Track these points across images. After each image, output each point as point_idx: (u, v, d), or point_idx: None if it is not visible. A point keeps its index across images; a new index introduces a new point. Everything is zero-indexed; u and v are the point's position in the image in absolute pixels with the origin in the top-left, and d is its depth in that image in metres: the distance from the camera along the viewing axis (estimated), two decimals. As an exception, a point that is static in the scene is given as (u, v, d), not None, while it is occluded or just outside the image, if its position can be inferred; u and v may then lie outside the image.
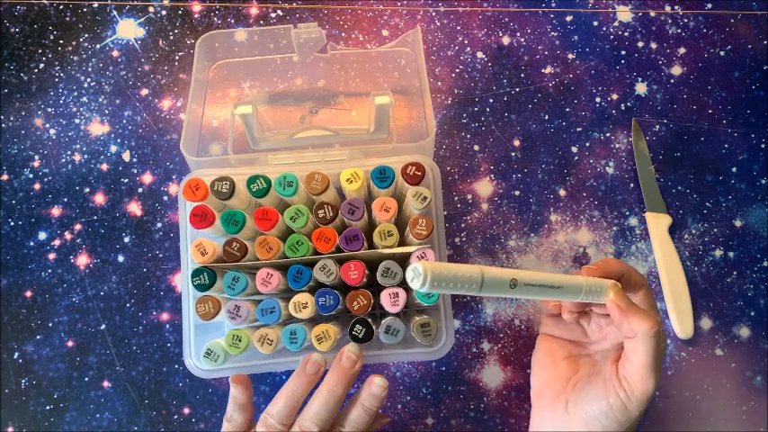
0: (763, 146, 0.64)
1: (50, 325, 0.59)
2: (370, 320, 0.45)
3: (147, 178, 0.63)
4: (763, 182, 0.63)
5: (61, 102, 0.66)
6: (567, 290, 0.38)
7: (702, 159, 0.64)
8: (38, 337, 0.59)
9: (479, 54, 0.67)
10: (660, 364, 0.39)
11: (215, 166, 0.52)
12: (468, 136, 0.64)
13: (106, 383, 0.58)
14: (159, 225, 0.62)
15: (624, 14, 0.69)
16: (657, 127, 0.65)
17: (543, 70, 0.67)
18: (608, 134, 0.65)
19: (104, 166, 0.63)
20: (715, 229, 0.62)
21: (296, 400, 0.43)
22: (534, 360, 0.47)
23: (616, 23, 0.69)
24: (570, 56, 0.67)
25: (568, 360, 0.44)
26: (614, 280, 0.40)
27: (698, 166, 0.64)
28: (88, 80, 0.66)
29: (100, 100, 0.66)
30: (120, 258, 0.61)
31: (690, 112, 0.65)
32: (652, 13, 0.69)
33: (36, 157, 0.64)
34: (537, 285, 0.36)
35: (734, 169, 0.64)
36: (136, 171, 0.63)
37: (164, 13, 0.69)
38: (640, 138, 0.64)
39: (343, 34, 0.68)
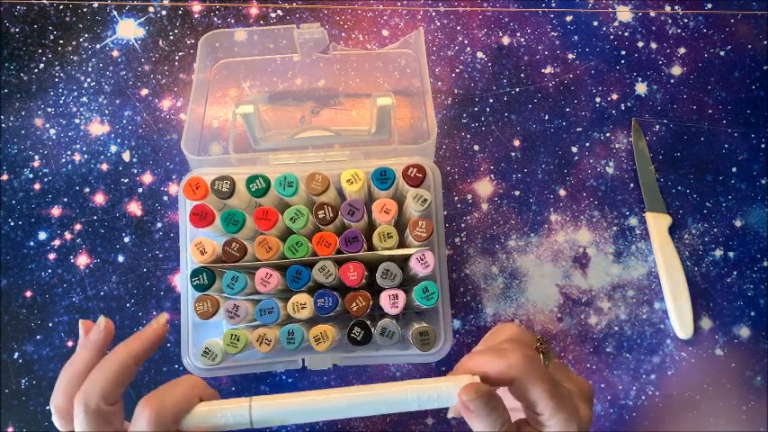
0: (763, 146, 0.64)
1: (50, 325, 0.59)
2: (368, 322, 0.45)
3: (147, 178, 0.63)
4: (763, 182, 0.63)
5: (61, 102, 0.66)
6: (391, 402, 0.34)
7: (702, 159, 0.64)
8: (38, 337, 0.59)
9: (479, 54, 0.67)
10: None
11: (216, 165, 0.52)
12: (468, 136, 0.64)
13: (106, 383, 0.58)
14: (159, 225, 0.62)
15: (624, 14, 0.69)
16: (657, 127, 0.65)
17: (543, 70, 0.67)
18: (608, 134, 0.65)
19: (104, 166, 0.63)
20: (715, 229, 0.62)
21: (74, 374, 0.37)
22: None
23: (616, 23, 0.69)
24: (570, 56, 0.67)
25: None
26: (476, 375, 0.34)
27: (698, 166, 0.64)
28: (88, 80, 0.66)
29: (100, 100, 0.66)
30: (120, 258, 0.61)
31: (690, 112, 0.65)
32: (652, 13, 0.69)
33: (36, 157, 0.64)
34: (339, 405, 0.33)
35: (734, 169, 0.64)
36: (136, 171, 0.63)
37: (164, 13, 0.69)
38: (640, 138, 0.64)
39: (343, 34, 0.68)
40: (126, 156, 0.64)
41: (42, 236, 0.61)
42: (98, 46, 0.68)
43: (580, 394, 0.36)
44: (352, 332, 0.45)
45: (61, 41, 0.68)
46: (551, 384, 0.33)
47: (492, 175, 0.63)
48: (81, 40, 0.68)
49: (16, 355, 0.58)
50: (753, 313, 0.59)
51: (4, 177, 0.63)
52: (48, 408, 0.57)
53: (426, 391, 0.34)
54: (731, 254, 0.61)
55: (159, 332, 0.38)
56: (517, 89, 0.66)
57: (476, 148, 0.64)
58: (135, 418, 0.33)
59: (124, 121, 0.65)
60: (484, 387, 0.33)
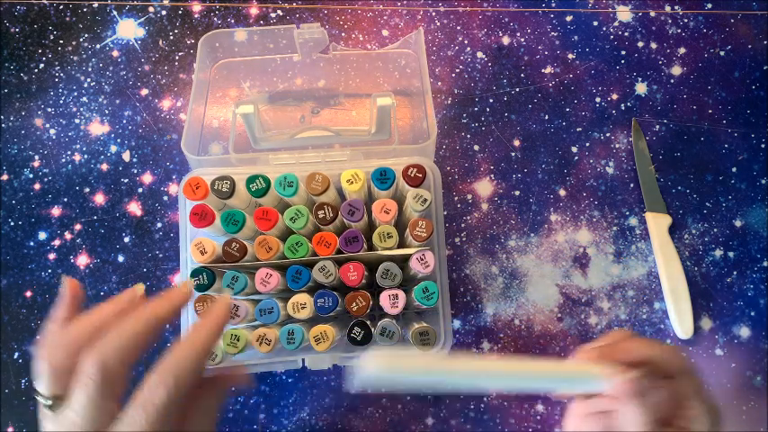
0: (763, 146, 0.64)
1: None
2: (368, 322, 0.45)
3: (147, 178, 0.63)
4: (763, 182, 0.63)
5: (61, 102, 0.66)
6: (557, 380, 0.34)
7: (702, 159, 0.64)
8: (38, 337, 0.59)
9: (479, 54, 0.67)
10: None
11: (216, 165, 0.52)
12: (468, 136, 0.64)
13: (106, 383, 0.58)
14: (159, 225, 0.62)
15: (624, 14, 0.69)
16: (657, 127, 0.65)
17: (543, 70, 0.67)
18: (608, 134, 0.65)
19: (104, 166, 0.63)
20: (715, 229, 0.62)
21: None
22: (568, 407, 0.43)
23: (616, 23, 0.69)
24: (570, 56, 0.67)
25: (599, 416, 0.39)
26: (637, 364, 0.35)
27: (698, 166, 0.64)
28: (88, 80, 0.66)
29: (100, 100, 0.66)
30: (120, 258, 0.61)
31: (690, 112, 0.65)
32: (652, 13, 0.69)
33: (36, 157, 0.64)
34: (511, 375, 0.32)
35: (734, 169, 0.64)
36: (136, 171, 0.63)
37: (164, 13, 0.69)
38: (640, 138, 0.64)
39: (343, 34, 0.68)
40: (126, 156, 0.64)
41: (42, 236, 0.61)
42: (98, 46, 0.68)
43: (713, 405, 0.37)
44: (352, 332, 0.45)
45: (61, 41, 0.68)
46: (705, 386, 0.35)
47: (492, 175, 0.63)
48: (81, 40, 0.68)
49: (16, 355, 0.58)
50: (753, 313, 0.59)
51: (4, 177, 0.63)
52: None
53: (578, 373, 0.34)
54: (731, 254, 0.61)
55: (186, 295, 0.35)
56: (517, 89, 0.66)
57: (476, 148, 0.64)
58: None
59: (124, 121, 0.65)
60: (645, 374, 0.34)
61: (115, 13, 0.69)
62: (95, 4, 0.69)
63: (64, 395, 0.30)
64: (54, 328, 0.33)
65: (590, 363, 0.35)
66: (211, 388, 0.35)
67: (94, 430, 0.29)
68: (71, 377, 0.30)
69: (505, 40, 0.68)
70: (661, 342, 0.35)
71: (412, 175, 0.47)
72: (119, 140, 0.64)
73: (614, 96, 0.66)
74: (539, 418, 0.57)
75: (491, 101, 0.66)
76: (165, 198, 0.62)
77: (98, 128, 0.65)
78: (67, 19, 0.69)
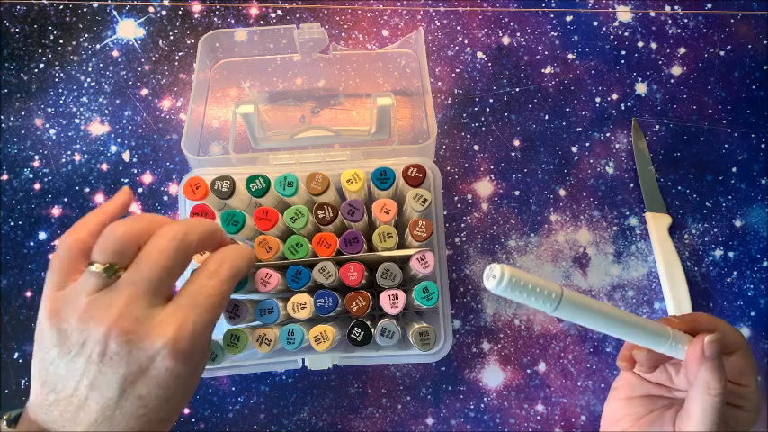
0: (763, 146, 0.64)
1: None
2: (368, 323, 0.45)
3: (147, 178, 0.63)
4: (763, 182, 0.63)
5: (61, 102, 0.66)
6: (650, 336, 0.35)
7: (702, 159, 0.64)
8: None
9: (479, 54, 0.67)
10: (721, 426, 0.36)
11: (216, 165, 0.52)
12: (468, 136, 0.64)
13: (106, 383, 0.58)
14: (159, 225, 0.61)
15: (624, 14, 0.69)
16: (657, 127, 0.65)
17: (543, 70, 0.67)
18: (608, 134, 0.65)
19: (104, 166, 0.63)
20: (715, 229, 0.62)
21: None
22: (612, 388, 0.45)
23: (616, 23, 0.69)
24: (570, 56, 0.67)
25: (645, 399, 0.43)
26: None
27: (698, 166, 0.64)
28: (88, 80, 0.66)
29: (100, 100, 0.66)
30: (121, 258, 0.61)
31: (690, 112, 0.65)
32: (652, 13, 0.69)
33: (36, 157, 0.64)
34: (617, 321, 0.34)
35: (734, 169, 0.64)
36: (136, 171, 0.63)
37: (164, 13, 0.69)
38: (640, 138, 0.64)
39: (342, 34, 0.68)
40: (126, 156, 0.64)
41: (42, 236, 0.61)
42: (98, 46, 0.68)
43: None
44: (352, 333, 0.45)
45: (61, 41, 0.68)
46: (757, 367, 0.40)
47: (492, 175, 0.63)
48: (81, 40, 0.68)
49: (16, 355, 0.58)
50: (753, 313, 0.59)
51: (4, 177, 0.63)
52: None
53: (678, 337, 0.36)
54: (731, 254, 0.61)
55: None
56: (517, 89, 0.66)
57: (476, 148, 0.64)
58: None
59: (124, 121, 0.65)
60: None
61: (115, 13, 0.69)
62: (95, 4, 0.69)
63: (119, 266, 0.33)
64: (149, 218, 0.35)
65: (672, 327, 0.37)
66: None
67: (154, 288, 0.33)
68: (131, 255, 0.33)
69: (505, 40, 0.68)
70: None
71: (412, 175, 0.47)
72: (119, 140, 0.64)
73: (614, 96, 0.66)
74: (539, 418, 0.57)
75: (491, 101, 0.66)
76: (165, 198, 0.62)
77: (98, 128, 0.65)
78: (67, 19, 0.69)
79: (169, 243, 0.33)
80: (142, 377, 0.31)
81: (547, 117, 0.65)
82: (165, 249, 0.33)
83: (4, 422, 0.33)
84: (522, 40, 0.68)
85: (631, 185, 0.63)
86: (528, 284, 0.31)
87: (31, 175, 0.63)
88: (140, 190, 0.63)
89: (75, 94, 0.66)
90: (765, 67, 0.67)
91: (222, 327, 0.52)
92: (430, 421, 0.57)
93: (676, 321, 0.38)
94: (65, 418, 0.31)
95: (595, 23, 0.69)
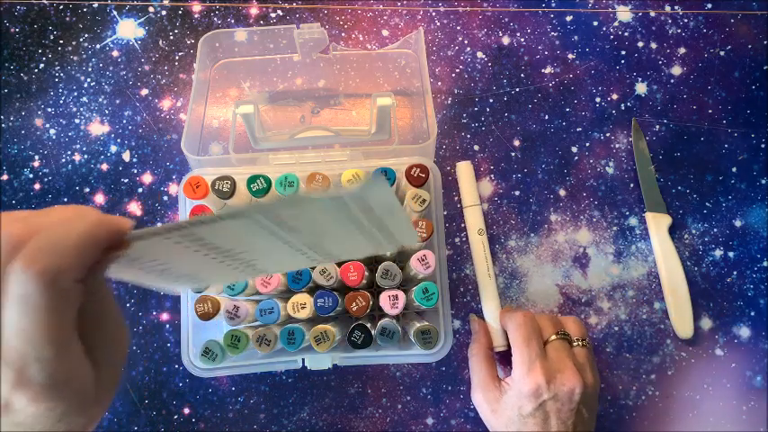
0: (763, 146, 0.64)
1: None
2: (369, 325, 0.45)
3: (147, 178, 0.63)
4: (763, 182, 0.63)
5: (61, 102, 0.66)
6: None
7: (702, 159, 0.64)
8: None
9: (479, 54, 0.67)
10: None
11: (216, 165, 0.52)
12: (468, 136, 0.64)
13: (106, 383, 0.58)
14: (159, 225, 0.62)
15: (624, 14, 0.69)
16: (657, 127, 0.65)
17: (543, 70, 0.67)
18: (608, 134, 0.65)
19: (104, 166, 0.63)
20: (715, 229, 0.62)
21: None
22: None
23: (616, 23, 0.69)
24: (570, 56, 0.67)
25: None
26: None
27: (698, 166, 0.64)
28: (88, 80, 0.66)
29: (100, 100, 0.66)
30: (121, 258, 0.61)
31: (690, 112, 0.65)
32: (652, 13, 0.69)
33: (36, 157, 0.64)
34: None
35: (734, 169, 0.64)
36: (136, 171, 0.63)
37: (164, 13, 0.69)
38: (640, 138, 0.64)
39: (342, 34, 0.68)
40: (126, 156, 0.64)
41: (42, 236, 0.61)
42: (98, 46, 0.68)
43: (557, 371, 0.48)
44: (353, 336, 0.45)
45: (61, 41, 0.68)
46: (523, 333, 0.50)
47: (492, 175, 0.63)
48: (81, 40, 0.68)
49: (16, 355, 0.58)
50: (753, 313, 0.59)
51: (4, 177, 0.63)
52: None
53: None
54: (731, 254, 0.61)
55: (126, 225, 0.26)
56: (517, 89, 0.66)
57: (476, 148, 0.64)
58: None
59: (124, 121, 0.65)
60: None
61: (115, 13, 0.69)
62: (95, 4, 0.69)
63: None
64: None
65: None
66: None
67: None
68: None
69: (505, 40, 0.68)
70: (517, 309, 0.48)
71: (415, 175, 0.47)
72: (119, 140, 0.64)
73: (614, 96, 0.66)
74: (539, 418, 0.57)
75: (491, 101, 0.66)
76: (165, 198, 0.62)
77: (98, 128, 0.65)
78: (67, 19, 0.69)
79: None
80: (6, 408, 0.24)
81: (547, 117, 0.65)
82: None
83: None
84: (522, 40, 0.68)
85: (631, 185, 0.63)
86: None
87: (31, 175, 0.63)
88: (140, 190, 0.63)
89: (75, 94, 0.66)
90: (765, 67, 0.67)
91: (223, 328, 0.52)
92: (430, 421, 0.57)
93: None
94: None
95: (595, 23, 0.69)
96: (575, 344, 0.51)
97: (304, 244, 0.29)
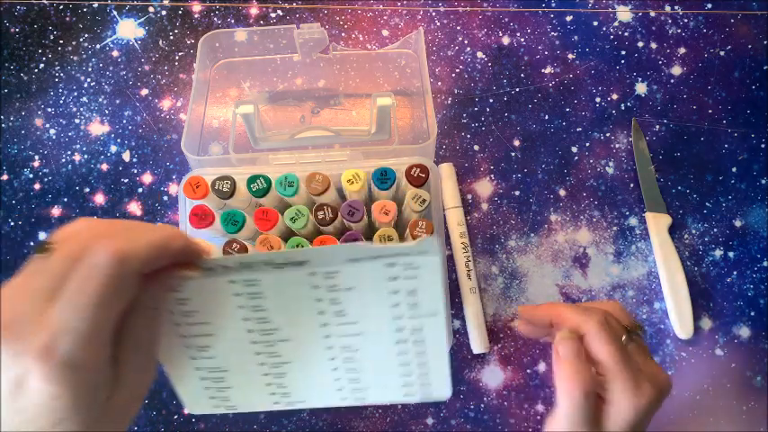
0: (763, 146, 0.64)
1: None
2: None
3: (147, 178, 0.63)
4: (763, 182, 0.63)
5: (61, 102, 0.66)
6: None
7: (702, 159, 0.64)
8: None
9: (479, 54, 0.67)
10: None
11: (216, 165, 0.52)
12: (468, 136, 0.64)
13: (106, 383, 0.58)
14: (159, 225, 0.62)
15: (624, 14, 0.69)
16: (657, 127, 0.65)
17: (543, 70, 0.67)
18: (608, 134, 0.65)
19: (104, 166, 0.63)
20: (715, 229, 0.62)
21: None
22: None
23: (616, 23, 0.69)
24: (570, 56, 0.67)
25: None
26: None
27: (698, 166, 0.64)
28: (88, 80, 0.66)
29: (100, 100, 0.66)
30: (121, 258, 0.61)
31: (690, 112, 0.65)
32: (652, 13, 0.69)
33: (36, 157, 0.64)
34: None
35: (734, 169, 0.64)
36: (136, 171, 0.63)
37: (164, 13, 0.69)
38: (640, 138, 0.64)
39: (343, 34, 0.68)
40: (126, 156, 0.64)
41: (42, 236, 0.61)
42: (98, 46, 0.68)
43: (652, 377, 0.35)
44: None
45: (61, 41, 0.68)
46: (621, 351, 0.34)
47: (492, 175, 0.63)
48: (81, 40, 0.68)
49: (16, 355, 0.58)
50: (753, 313, 0.59)
51: (4, 177, 0.63)
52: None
53: None
54: (731, 254, 0.61)
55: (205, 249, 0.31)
56: (517, 89, 0.66)
57: (476, 148, 0.64)
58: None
59: (124, 121, 0.65)
60: (574, 335, 0.34)
61: (115, 13, 0.69)
62: (95, 4, 0.69)
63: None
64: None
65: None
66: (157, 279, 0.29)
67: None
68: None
69: (505, 40, 0.68)
70: (584, 307, 0.37)
71: (415, 175, 0.47)
72: (119, 140, 0.64)
73: (614, 96, 0.66)
74: (539, 418, 0.57)
75: (491, 101, 0.66)
76: (165, 198, 0.62)
77: (98, 128, 0.65)
78: (67, 19, 0.69)
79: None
80: (20, 386, 0.24)
81: (547, 117, 0.65)
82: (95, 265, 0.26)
83: None
84: (522, 40, 0.68)
85: (631, 185, 0.63)
86: None
87: (31, 175, 0.63)
88: (140, 190, 0.63)
89: (75, 94, 0.66)
90: (765, 67, 0.67)
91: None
92: (430, 421, 0.57)
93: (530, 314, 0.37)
94: None
95: (595, 23, 0.69)
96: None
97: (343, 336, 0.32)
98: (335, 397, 0.35)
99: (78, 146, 0.64)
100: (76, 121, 0.65)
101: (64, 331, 0.24)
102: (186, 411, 0.35)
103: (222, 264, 0.29)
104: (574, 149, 0.64)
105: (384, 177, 0.47)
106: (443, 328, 0.32)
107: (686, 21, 0.69)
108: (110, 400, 0.27)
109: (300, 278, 0.30)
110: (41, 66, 0.67)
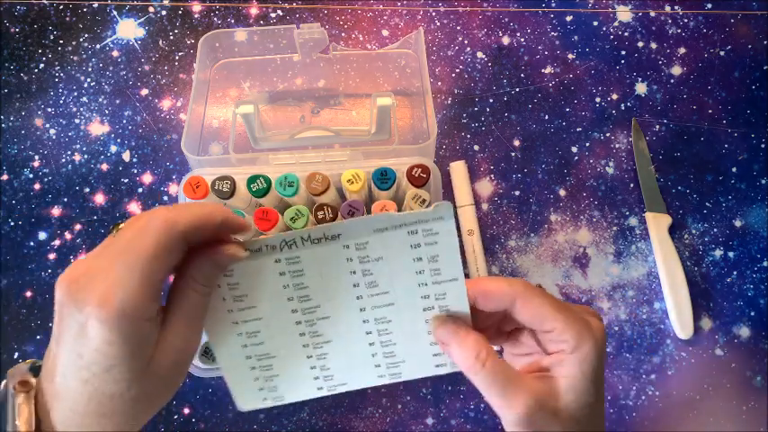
0: (763, 146, 0.64)
1: (50, 325, 0.59)
2: None
3: (147, 178, 0.63)
4: (763, 182, 0.63)
5: (61, 102, 0.66)
6: None
7: (702, 159, 0.64)
8: (38, 337, 0.59)
9: (479, 54, 0.67)
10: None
11: (216, 165, 0.52)
12: (469, 136, 0.64)
13: (106, 383, 0.58)
14: (159, 225, 0.61)
15: (624, 14, 0.69)
16: (657, 127, 0.65)
17: (543, 70, 0.67)
18: (608, 134, 0.65)
19: (104, 166, 0.63)
20: (715, 229, 0.62)
21: None
22: None
23: (616, 23, 0.69)
24: (570, 56, 0.67)
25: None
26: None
27: (698, 166, 0.64)
28: (88, 80, 0.66)
29: (100, 100, 0.66)
30: (121, 258, 0.61)
31: (690, 112, 0.65)
32: (652, 13, 0.69)
33: (36, 157, 0.64)
34: None
35: (734, 169, 0.64)
36: (136, 171, 0.63)
37: (164, 13, 0.69)
38: (640, 138, 0.64)
39: (342, 34, 0.68)
40: (126, 156, 0.64)
41: (42, 236, 0.61)
42: (98, 46, 0.68)
43: (585, 311, 0.34)
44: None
45: (61, 41, 0.68)
46: (555, 300, 0.32)
47: (492, 175, 0.63)
48: (81, 40, 0.68)
49: (16, 355, 0.58)
50: (753, 313, 0.59)
51: (4, 177, 0.63)
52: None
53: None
54: (731, 254, 0.61)
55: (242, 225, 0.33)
56: (517, 89, 0.66)
57: (476, 148, 0.64)
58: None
59: (124, 121, 0.65)
60: (446, 317, 0.34)
61: (115, 13, 0.69)
62: (95, 4, 0.69)
63: None
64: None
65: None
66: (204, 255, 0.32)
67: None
68: None
69: (505, 40, 0.68)
70: (503, 277, 0.36)
71: (416, 175, 0.47)
72: (119, 140, 0.64)
73: (614, 96, 0.66)
74: (539, 418, 0.57)
75: (491, 101, 0.66)
76: (165, 198, 0.62)
77: (98, 128, 0.65)
78: (67, 19, 0.69)
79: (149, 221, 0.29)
80: (82, 332, 0.28)
81: (547, 117, 0.65)
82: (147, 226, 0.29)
83: (28, 365, 0.32)
84: (522, 40, 0.68)
85: (631, 185, 0.63)
86: None
87: (31, 175, 0.63)
88: (140, 190, 0.63)
89: (75, 94, 0.66)
90: (765, 67, 0.67)
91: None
92: (430, 421, 0.57)
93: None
94: (45, 369, 0.30)
95: (595, 23, 0.69)
96: None
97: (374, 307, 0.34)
98: (373, 374, 0.36)
99: (78, 146, 0.64)
100: (76, 121, 0.65)
101: (119, 282, 0.28)
102: (239, 409, 0.35)
103: (268, 243, 0.32)
104: (574, 149, 0.64)
105: (384, 177, 0.47)
106: (464, 292, 0.33)
107: (686, 21, 0.69)
108: (153, 361, 0.30)
109: (336, 251, 0.32)
110: (41, 66, 0.67)
